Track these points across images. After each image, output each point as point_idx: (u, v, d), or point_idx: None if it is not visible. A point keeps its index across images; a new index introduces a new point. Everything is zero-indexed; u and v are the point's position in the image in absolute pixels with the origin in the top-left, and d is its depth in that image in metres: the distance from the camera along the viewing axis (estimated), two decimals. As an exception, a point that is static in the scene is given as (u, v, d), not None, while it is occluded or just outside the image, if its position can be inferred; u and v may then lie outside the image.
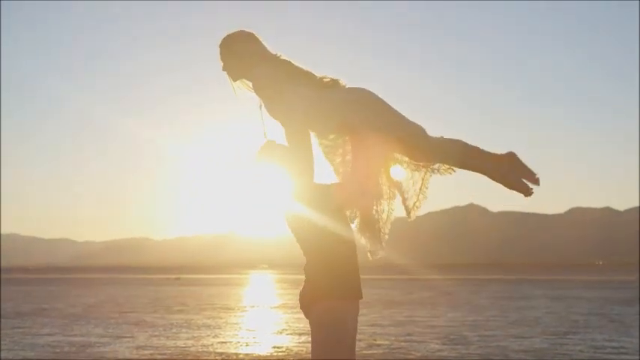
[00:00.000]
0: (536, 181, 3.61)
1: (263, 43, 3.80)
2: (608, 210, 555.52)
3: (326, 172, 3.82)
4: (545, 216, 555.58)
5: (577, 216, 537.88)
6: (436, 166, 3.70)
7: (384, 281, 52.75)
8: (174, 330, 15.91)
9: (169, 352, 12.19)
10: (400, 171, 3.79)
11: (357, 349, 3.60)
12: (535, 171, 3.59)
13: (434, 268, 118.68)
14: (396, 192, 3.80)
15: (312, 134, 3.80)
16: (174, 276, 79.54)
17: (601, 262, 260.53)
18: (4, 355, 11.92)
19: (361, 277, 3.66)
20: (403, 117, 3.63)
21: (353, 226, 3.74)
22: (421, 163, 3.72)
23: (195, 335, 14.77)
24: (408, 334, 14.53)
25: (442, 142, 3.61)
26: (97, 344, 13.28)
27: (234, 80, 3.82)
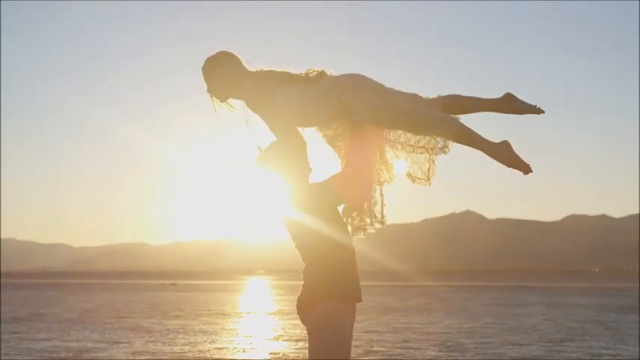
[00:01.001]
0: (539, 111, 3.75)
1: (243, 63, 3.88)
2: (604, 217, 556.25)
3: (328, 161, 3.90)
4: (542, 223, 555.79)
5: (573, 223, 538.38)
6: (431, 145, 3.77)
7: (379, 287, 52.73)
8: (170, 336, 15.90)
9: (166, 357, 12.19)
10: (403, 164, 3.87)
11: (354, 356, 3.62)
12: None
13: (430, 275, 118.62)
14: (389, 177, 3.87)
15: (315, 129, 3.87)
16: (170, 281, 79.39)
17: (597, 269, 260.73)
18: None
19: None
20: (396, 93, 3.73)
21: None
22: (418, 144, 3.80)
23: (191, 341, 14.76)
24: (405, 341, 14.54)
25: (437, 119, 3.67)
26: (94, 349, 13.27)
27: (222, 101, 3.88)
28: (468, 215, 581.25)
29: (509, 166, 3.65)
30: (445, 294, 41.57)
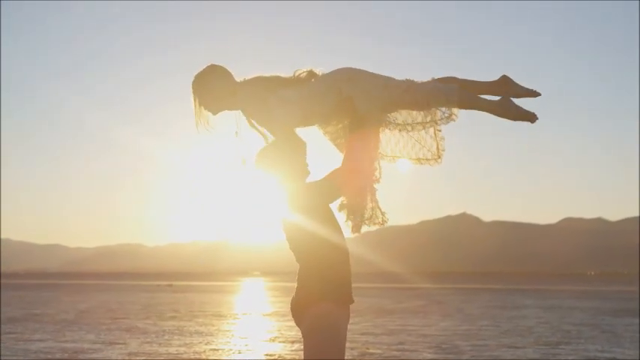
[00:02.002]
0: (536, 94, 3.76)
1: (232, 74, 3.89)
2: (600, 220, 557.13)
3: (330, 161, 3.91)
4: (538, 226, 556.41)
5: (569, 226, 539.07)
6: (438, 116, 3.78)
7: (375, 289, 52.70)
8: (166, 337, 15.88)
9: (161, 358, 12.17)
10: (406, 163, 3.87)
11: (349, 357, 3.62)
12: (532, 88, 3.71)
13: (426, 277, 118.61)
14: (380, 175, 3.88)
15: (316, 127, 3.90)
16: (166, 282, 79.31)
17: (593, 273, 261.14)
18: (-5, 360, 11.89)
19: (353, 285, 3.70)
20: (390, 77, 3.75)
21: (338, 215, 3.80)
22: (425, 119, 3.81)
23: (187, 342, 14.74)
24: (401, 343, 14.53)
25: (437, 89, 3.70)
26: (89, 350, 13.25)
27: (215, 114, 3.90)
28: (464, 218, 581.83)
29: (515, 120, 3.68)
30: (441, 296, 41.57)
